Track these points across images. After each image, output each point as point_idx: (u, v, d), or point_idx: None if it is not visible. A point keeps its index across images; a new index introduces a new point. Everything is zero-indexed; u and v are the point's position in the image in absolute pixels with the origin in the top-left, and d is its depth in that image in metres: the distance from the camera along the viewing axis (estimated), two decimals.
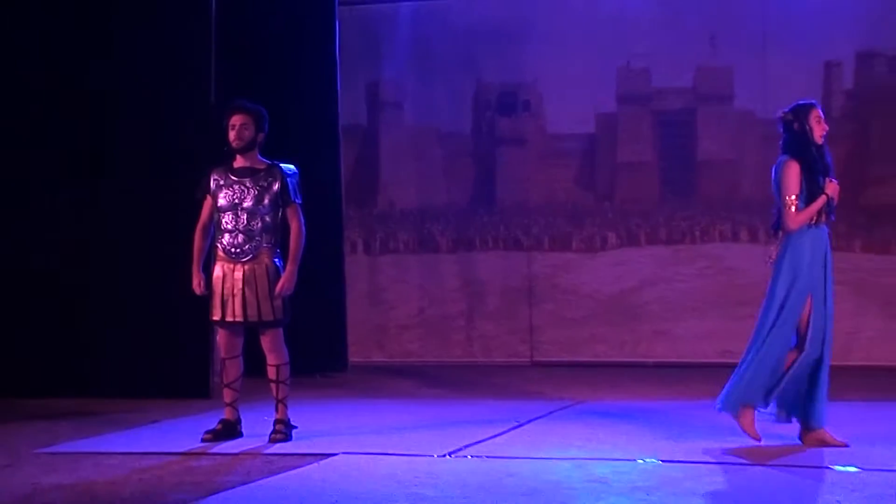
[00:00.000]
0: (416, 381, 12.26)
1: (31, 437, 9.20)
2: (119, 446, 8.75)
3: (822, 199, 8.31)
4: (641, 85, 13.22)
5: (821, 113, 8.51)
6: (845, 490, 7.01)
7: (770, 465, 7.76)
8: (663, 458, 7.98)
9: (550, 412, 10.02)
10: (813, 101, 8.63)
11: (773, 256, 8.48)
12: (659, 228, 13.22)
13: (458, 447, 8.43)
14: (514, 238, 13.58)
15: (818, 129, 8.45)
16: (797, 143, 8.41)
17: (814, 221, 8.37)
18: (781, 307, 8.42)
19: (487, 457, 8.18)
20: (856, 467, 7.63)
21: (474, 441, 8.65)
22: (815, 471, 7.59)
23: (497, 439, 8.81)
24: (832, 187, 8.34)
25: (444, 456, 8.20)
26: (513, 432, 9.12)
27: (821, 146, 8.45)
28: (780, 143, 8.50)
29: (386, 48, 13.82)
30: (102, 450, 8.63)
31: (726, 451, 8.21)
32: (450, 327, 13.67)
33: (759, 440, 8.31)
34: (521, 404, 10.44)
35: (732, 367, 12.50)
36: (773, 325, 8.45)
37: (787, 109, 8.53)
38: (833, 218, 8.47)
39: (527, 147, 13.57)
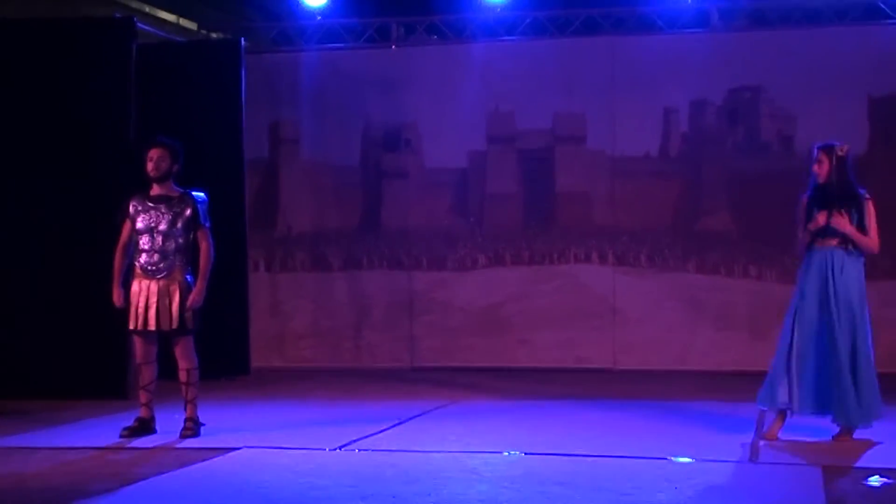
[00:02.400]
0: (311, 383, 12.16)
1: None
2: (46, 441, 8.60)
3: (807, 231, 8.44)
4: (507, 126, 13.26)
5: (815, 156, 8.54)
6: (682, 478, 7.07)
7: (616, 456, 7.80)
8: (526, 451, 8.00)
9: (428, 411, 10.00)
10: (813, 147, 8.68)
11: None
12: (522, 251, 13.25)
13: (347, 442, 8.39)
14: (396, 258, 13.54)
15: (817, 170, 8.51)
16: (809, 182, 8.58)
17: (817, 244, 8.44)
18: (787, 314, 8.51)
19: (373, 450, 8.15)
20: (691, 458, 7.70)
21: (362, 436, 8.61)
22: (655, 461, 7.63)
23: (381, 435, 8.78)
24: (816, 220, 8.40)
25: (335, 450, 8.16)
26: (395, 429, 9.09)
27: (824, 184, 8.47)
28: None
29: (286, 92, 13.72)
30: (31, 444, 8.48)
31: (580, 444, 8.24)
32: (340, 336, 13.58)
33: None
34: (403, 404, 10.40)
35: (585, 371, 12.75)
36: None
37: None
38: (821, 243, 8.42)
39: (408, 179, 13.53)
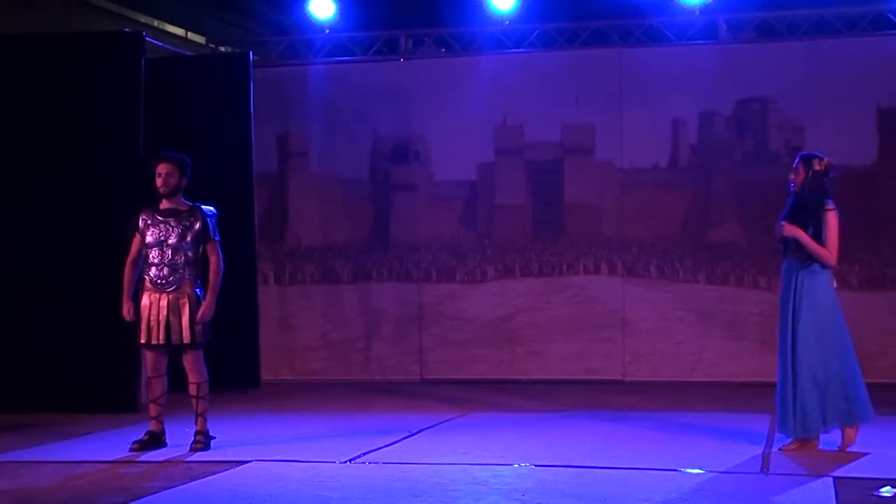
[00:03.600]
0: (321, 396, 12.16)
1: None
2: (56, 455, 8.60)
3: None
4: (516, 139, 13.26)
5: (794, 165, 8.56)
6: (692, 490, 7.05)
7: (626, 468, 7.78)
8: (536, 463, 7.98)
9: (438, 423, 9.98)
10: (797, 155, 8.72)
11: None
12: (531, 262, 13.24)
13: (357, 454, 8.38)
14: (405, 271, 13.54)
15: (792, 179, 8.54)
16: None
17: (786, 255, 8.47)
18: None
19: (383, 463, 8.14)
20: (701, 469, 7.68)
21: (372, 449, 8.60)
22: (665, 473, 7.61)
23: (391, 447, 8.76)
24: (778, 230, 8.49)
25: (346, 462, 8.14)
26: (405, 441, 9.08)
27: (796, 195, 8.50)
28: None
29: (294, 105, 13.74)
30: (41, 459, 8.48)
31: (590, 456, 8.23)
32: (350, 349, 13.58)
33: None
34: (413, 417, 10.39)
35: (594, 382, 12.72)
36: None
37: None
38: (788, 253, 8.47)
39: (417, 192, 13.54)
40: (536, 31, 13.48)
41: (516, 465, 7.93)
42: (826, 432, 8.37)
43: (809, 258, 8.37)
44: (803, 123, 12.57)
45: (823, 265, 8.37)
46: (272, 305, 13.50)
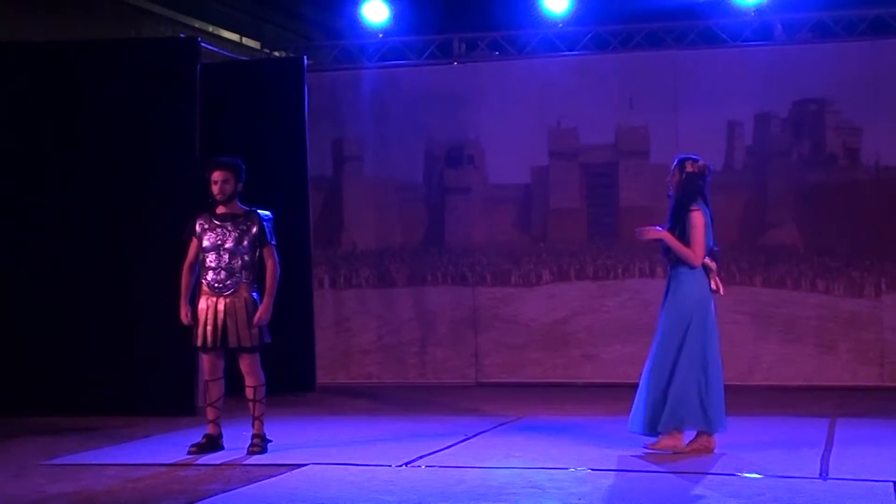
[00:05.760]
0: (376, 400, 12.19)
1: (38, 450, 9.09)
2: (116, 458, 8.68)
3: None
4: (570, 142, 13.24)
5: (671, 168, 8.66)
6: (751, 495, 7.01)
7: (684, 473, 7.75)
8: (593, 467, 7.96)
9: (494, 427, 9.98)
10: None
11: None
12: (587, 266, 13.21)
13: (413, 458, 8.39)
14: (460, 274, 13.55)
15: (668, 182, 8.70)
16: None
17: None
18: None
19: (439, 466, 8.15)
20: (759, 474, 7.63)
21: (427, 452, 8.61)
22: (723, 477, 7.57)
23: (447, 451, 8.77)
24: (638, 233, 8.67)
25: (401, 466, 8.15)
26: (461, 445, 9.08)
27: (669, 197, 8.66)
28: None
29: (349, 109, 13.79)
30: (101, 461, 8.56)
31: (646, 460, 8.20)
32: (405, 352, 13.60)
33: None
34: (468, 420, 10.40)
35: None
36: None
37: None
38: (663, 257, 8.67)
39: (471, 195, 13.55)
40: (590, 34, 13.44)
41: (572, 469, 7.91)
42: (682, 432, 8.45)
43: (678, 261, 8.47)
44: (860, 125, 12.48)
45: (691, 266, 8.39)
46: (328, 309, 13.56)
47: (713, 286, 8.51)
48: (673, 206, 8.53)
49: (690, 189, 8.48)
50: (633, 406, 8.59)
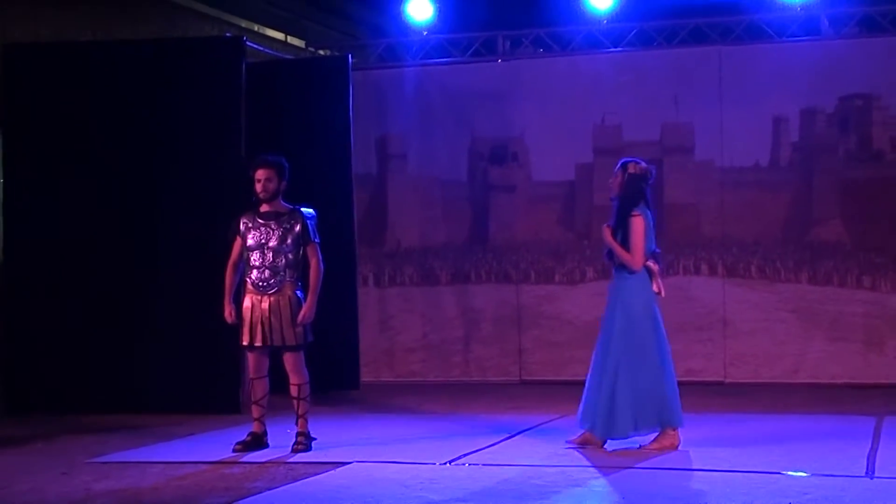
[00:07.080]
0: (420, 397, 12.19)
1: (84, 448, 9.16)
2: (161, 456, 8.73)
3: None
4: (614, 139, 13.18)
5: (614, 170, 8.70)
6: (797, 493, 6.96)
7: (728, 471, 7.70)
8: (636, 466, 7.93)
9: (538, 425, 9.96)
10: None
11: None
12: None
13: (457, 456, 8.38)
14: (504, 272, 13.53)
15: (611, 184, 8.71)
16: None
17: None
18: None
19: (483, 464, 8.14)
20: (805, 472, 7.58)
21: (471, 451, 8.60)
22: (768, 476, 7.52)
23: (491, 449, 8.76)
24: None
25: (445, 464, 8.15)
26: (505, 443, 9.07)
27: (612, 199, 8.69)
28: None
29: (393, 107, 13.80)
30: (147, 459, 8.61)
31: (691, 458, 8.16)
32: (449, 350, 13.60)
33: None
34: (512, 418, 10.39)
35: (695, 384, 12.57)
36: None
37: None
38: (606, 260, 8.80)
39: (515, 193, 13.53)
40: (634, 30, 13.40)
41: (615, 468, 7.87)
42: (640, 436, 8.52)
43: (621, 264, 8.54)
44: None
45: (632, 270, 8.45)
46: (372, 307, 13.58)
47: (655, 288, 8.59)
48: (616, 209, 8.56)
49: (632, 191, 8.57)
50: (583, 403, 8.69)
